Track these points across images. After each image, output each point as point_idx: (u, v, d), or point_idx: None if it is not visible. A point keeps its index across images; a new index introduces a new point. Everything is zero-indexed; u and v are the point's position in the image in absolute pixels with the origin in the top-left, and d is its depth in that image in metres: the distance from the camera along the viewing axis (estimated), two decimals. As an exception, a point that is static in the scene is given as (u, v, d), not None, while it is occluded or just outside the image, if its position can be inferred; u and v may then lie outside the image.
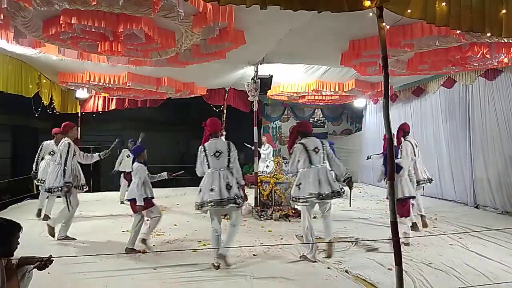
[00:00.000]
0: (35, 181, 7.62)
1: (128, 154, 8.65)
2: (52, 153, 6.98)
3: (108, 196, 9.74)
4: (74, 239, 5.54)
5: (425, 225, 6.22)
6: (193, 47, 5.60)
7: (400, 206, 5.03)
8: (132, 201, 4.96)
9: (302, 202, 4.76)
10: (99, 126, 14.62)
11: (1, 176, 11.53)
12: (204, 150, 4.59)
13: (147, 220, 5.18)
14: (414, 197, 5.56)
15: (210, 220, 4.56)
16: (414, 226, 5.84)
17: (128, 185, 6.61)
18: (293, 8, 2.99)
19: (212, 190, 4.39)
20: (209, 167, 4.52)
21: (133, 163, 5.15)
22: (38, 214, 6.97)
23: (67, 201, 5.44)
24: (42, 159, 7.22)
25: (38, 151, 7.25)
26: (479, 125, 8.10)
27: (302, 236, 4.95)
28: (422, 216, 6.26)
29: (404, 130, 6.33)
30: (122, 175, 8.98)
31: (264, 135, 11.39)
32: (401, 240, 5.11)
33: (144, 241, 5.08)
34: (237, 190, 4.49)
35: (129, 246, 4.93)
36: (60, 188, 5.47)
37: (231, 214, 4.62)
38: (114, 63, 6.49)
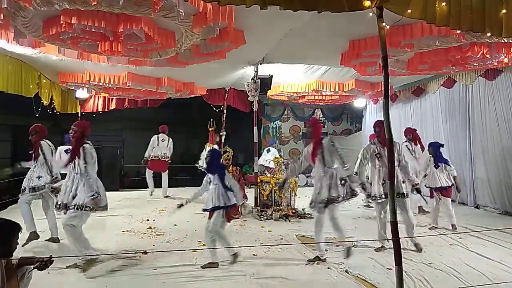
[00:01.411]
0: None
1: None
2: None
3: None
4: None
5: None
6: (193, 47, 5.60)
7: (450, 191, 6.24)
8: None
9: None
10: (99, 126, 14.59)
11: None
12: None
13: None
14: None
15: (376, 210, 5.26)
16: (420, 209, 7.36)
17: None
18: (293, 8, 2.99)
19: (383, 184, 5.02)
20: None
21: None
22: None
23: None
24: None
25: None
26: (479, 125, 8.10)
27: (304, 236, 4.97)
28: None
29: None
30: None
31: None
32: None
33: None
34: None
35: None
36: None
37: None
38: (114, 63, 6.49)
